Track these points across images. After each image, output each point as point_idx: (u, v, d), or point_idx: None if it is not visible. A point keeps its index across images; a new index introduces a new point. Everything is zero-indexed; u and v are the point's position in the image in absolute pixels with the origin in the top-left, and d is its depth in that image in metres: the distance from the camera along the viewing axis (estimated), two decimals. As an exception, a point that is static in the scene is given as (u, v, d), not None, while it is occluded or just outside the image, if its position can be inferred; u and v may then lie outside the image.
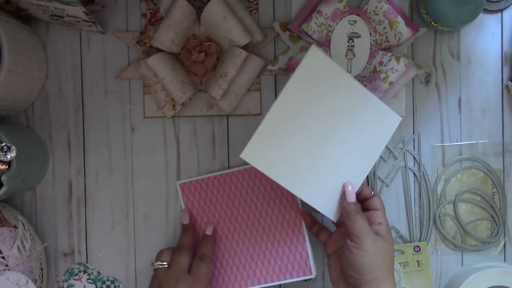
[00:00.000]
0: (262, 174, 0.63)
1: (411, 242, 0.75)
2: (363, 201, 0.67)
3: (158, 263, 0.67)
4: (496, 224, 0.75)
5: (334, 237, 0.69)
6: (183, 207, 0.74)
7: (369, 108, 0.65)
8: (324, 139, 0.64)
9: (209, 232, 0.73)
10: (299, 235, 0.72)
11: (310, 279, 0.75)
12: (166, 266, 0.67)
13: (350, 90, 0.64)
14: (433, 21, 0.71)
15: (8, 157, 0.64)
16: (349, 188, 0.65)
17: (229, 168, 0.75)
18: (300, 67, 0.62)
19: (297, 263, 0.71)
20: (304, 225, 0.71)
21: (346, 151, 0.65)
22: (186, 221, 0.73)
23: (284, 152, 0.63)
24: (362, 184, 0.67)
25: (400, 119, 0.67)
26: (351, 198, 0.65)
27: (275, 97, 0.75)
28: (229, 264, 0.73)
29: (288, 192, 0.65)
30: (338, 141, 0.65)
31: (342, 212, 0.65)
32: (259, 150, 0.62)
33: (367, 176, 0.75)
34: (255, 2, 0.74)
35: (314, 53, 0.62)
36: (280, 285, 0.75)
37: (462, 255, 0.76)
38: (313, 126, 0.64)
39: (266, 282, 0.72)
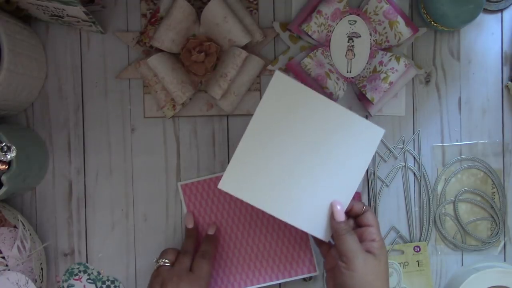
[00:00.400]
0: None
1: (411, 242, 0.75)
2: (356, 217, 0.66)
3: (163, 260, 0.67)
4: (496, 224, 0.75)
5: (331, 253, 0.67)
6: (184, 208, 0.74)
7: (348, 124, 0.65)
8: (303, 160, 0.65)
9: (211, 232, 0.72)
10: (303, 233, 0.72)
11: (310, 279, 0.75)
12: (169, 264, 0.67)
13: (323, 109, 0.65)
14: (433, 21, 0.71)
15: (8, 157, 0.64)
16: (337, 207, 0.64)
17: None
18: (266, 93, 0.63)
19: (301, 260, 0.71)
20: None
21: (329, 170, 0.65)
22: (190, 224, 0.73)
23: (262, 178, 0.64)
24: (353, 200, 0.65)
25: (383, 131, 0.65)
26: (340, 217, 0.63)
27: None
28: (233, 263, 0.73)
29: None
30: (319, 161, 0.65)
31: (332, 232, 0.64)
32: (237, 179, 0.63)
33: (367, 177, 0.75)
34: (255, 2, 0.74)
35: (278, 78, 0.63)
36: (280, 284, 0.75)
37: (462, 255, 0.76)
38: (290, 149, 0.64)
39: (271, 280, 0.72)
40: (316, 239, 0.69)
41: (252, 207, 0.73)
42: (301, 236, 0.72)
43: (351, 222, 0.66)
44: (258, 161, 0.64)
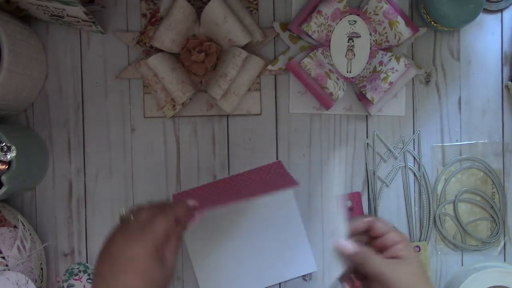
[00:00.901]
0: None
1: (411, 242, 0.75)
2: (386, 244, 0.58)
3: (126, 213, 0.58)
4: (496, 224, 0.75)
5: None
6: None
7: (262, 205, 0.73)
8: (245, 242, 0.73)
9: (191, 203, 0.61)
10: (300, 231, 0.72)
11: (310, 278, 0.75)
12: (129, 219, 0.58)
13: (240, 213, 0.73)
14: (433, 21, 0.71)
15: (8, 157, 0.64)
16: (340, 244, 0.58)
17: (229, 167, 0.75)
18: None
19: (299, 259, 0.71)
20: (301, 221, 0.73)
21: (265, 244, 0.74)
22: (192, 202, 0.61)
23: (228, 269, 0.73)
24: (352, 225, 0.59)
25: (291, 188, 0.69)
26: (349, 249, 0.57)
27: (275, 98, 0.75)
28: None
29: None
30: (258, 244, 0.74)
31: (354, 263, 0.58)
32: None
33: (367, 177, 0.75)
34: (255, 2, 0.74)
35: None
36: (280, 284, 0.75)
37: (462, 255, 0.76)
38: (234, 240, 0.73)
39: (271, 281, 0.72)
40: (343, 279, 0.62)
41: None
42: (299, 234, 0.72)
43: (363, 242, 0.59)
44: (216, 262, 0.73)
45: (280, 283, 0.75)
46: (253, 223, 0.73)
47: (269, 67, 0.73)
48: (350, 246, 0.57)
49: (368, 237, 0.59)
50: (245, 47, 0.71)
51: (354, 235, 0.59)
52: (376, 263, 0.55)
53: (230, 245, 0.73)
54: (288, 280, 0.74)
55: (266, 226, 0.73)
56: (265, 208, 0.73)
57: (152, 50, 0.73)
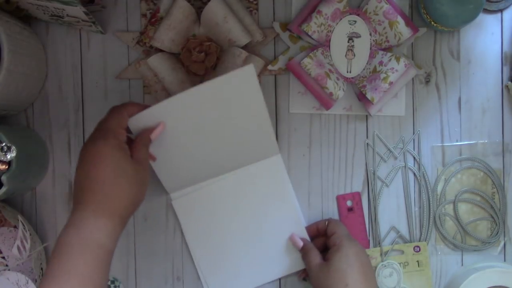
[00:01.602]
0: None
1: (411, 242, 0.75)
2: (327, 235, 0.69)
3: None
4: (496, 224, 0.75)
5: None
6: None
7: (262, 201, 0.73)
8: (240, 231, 0.73)
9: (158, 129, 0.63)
10: (298, 226, 0.72)
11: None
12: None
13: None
14: (433, 21, 0.71)
15: (8, 157, 0.64)
16: (294, 238, 0.72)
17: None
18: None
19: (299, 255, 0.71)
20: (302, 215, 0.74)
21: (261, 224, 0.73)
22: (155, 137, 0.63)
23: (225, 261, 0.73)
24: (314, 223, 0.72)
25: (278, 156, 0.73)
26: (298, 244, 0.71)
27: (275, 98, 0.75)
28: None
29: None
30: (253, 225, 0.73)
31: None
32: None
33: (367, 177, 0.75)
34: (255, 2, 0.74)
35: None
36: (280, 282, 0.75)
37: (462, 255, 0.76)
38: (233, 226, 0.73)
39: (274, 277, 0.73)
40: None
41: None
42: (299, 231, 0.72)
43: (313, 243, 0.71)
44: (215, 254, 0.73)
45: (280, 283, 0.75)
46: (253, 220, 0.73)
47: (269, 67, 0.73)
48: (298, 241, 0.71)
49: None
50: (245, 47, 0.71)
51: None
52: (312, 256, 0.67)
53: (231, 240, 0.73)
54: (287, 276, 0.74)
55: (266, 221, 0.73)
56: (266, 205, 0.73)
57: (152, 50, 0.73)
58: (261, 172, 0.72)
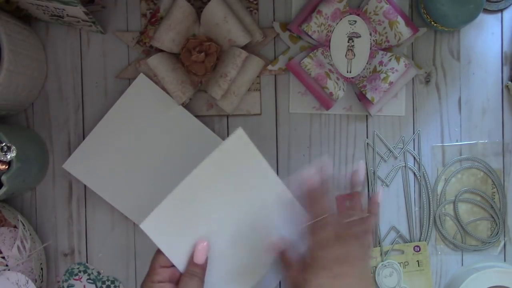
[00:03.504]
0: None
1: (411, 242, 0.75)
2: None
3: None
4: (496, 224, 0.75)
5: None
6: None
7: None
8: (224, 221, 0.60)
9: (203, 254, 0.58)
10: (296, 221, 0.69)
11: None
12: None
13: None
14: (433, 21, 0.71)
15: (8, 157, 0.64)
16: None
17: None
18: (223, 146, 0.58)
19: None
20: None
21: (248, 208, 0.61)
22: (202, 258, 0.57)
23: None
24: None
25: (240, 131, 0.59)
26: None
27: (275, 98, 0.75)
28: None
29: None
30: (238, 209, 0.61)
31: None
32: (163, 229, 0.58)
33: (367, 177, 0.75)
34: (255, 2, 0.74)
35: (240, 136, 0.59)
36: (280, 282, 0.75)
37: (462, 255, 0.76)
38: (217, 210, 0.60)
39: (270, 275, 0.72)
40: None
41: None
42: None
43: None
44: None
45: (280, 282, 0.75)
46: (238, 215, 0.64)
47: (269, 67, 0.73)
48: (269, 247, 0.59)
49: None
50: (245, 47, 0.71)
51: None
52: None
53: (218, 239, 0.62)
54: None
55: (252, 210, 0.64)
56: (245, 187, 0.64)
57: (152, 50, 0.73)
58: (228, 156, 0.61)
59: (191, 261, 0.57)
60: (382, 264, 0.74)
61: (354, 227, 0.56)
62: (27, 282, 0.67)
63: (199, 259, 0.56)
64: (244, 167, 0.60)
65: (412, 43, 0.75)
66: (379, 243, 0.74)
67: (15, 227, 0.69)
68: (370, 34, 0.73)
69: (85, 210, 0.75)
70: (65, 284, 0.75)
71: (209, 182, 0.59)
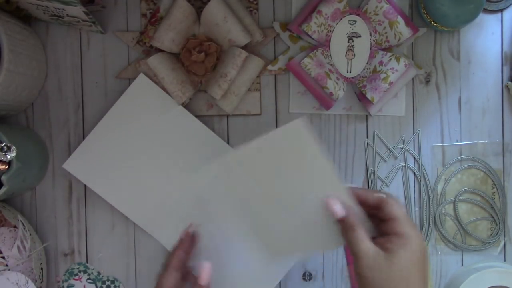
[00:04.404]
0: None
1: (411, 242, 0.75)
2: (384, 216, 0.53)
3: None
4: (496, 224, 0.75)
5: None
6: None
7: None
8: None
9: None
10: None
11: (310, 278, 0.75)
12: None
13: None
14: (433, 21, 0.71)
15: (8, 157, 0.64)
16: (331, 203, 0.53)
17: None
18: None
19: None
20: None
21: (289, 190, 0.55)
22: (205, 279, 0.57)
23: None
24: (363, 190, 0.55)
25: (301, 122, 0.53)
26: (340, 212, 0.52)
27: (275, 98, 0.75)
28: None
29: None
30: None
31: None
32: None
33: (367, 177, 0.75)
34: (255, 2, 0.74)
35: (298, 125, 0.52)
36: (280, 283, 0.75)
37: (462, 255, 0.76)
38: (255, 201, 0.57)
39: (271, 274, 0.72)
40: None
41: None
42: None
43: (360, 214, 0.54)
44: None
45: (280, 283, 0.75)
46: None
47: (269, 67, 0.73)
48: (336, 208, 0.52)
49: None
50: (245, 47, 0.71)
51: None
52: (362, 235, 0.51)
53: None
54: (287, 276, 0.74)
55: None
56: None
57: (152, 50, 0.73)
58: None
59: (196, 282, 0.57)
60: (382, 264, 0.74)
61: None
62: (27, 282, 0.67)
63: (204, 280, 0.57)
64: (296, 160, 0.54)
65: (412, 43, 0.75)
66: (379, 243, 0.74)
67: (15, 227, 0.69)
68: (370, 34, 0.73)
69: (85, 210, 0.75)
70: (65, 284, 0.75)
71: (251, 164, 0.55)
